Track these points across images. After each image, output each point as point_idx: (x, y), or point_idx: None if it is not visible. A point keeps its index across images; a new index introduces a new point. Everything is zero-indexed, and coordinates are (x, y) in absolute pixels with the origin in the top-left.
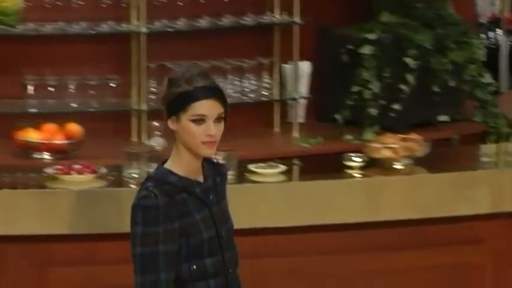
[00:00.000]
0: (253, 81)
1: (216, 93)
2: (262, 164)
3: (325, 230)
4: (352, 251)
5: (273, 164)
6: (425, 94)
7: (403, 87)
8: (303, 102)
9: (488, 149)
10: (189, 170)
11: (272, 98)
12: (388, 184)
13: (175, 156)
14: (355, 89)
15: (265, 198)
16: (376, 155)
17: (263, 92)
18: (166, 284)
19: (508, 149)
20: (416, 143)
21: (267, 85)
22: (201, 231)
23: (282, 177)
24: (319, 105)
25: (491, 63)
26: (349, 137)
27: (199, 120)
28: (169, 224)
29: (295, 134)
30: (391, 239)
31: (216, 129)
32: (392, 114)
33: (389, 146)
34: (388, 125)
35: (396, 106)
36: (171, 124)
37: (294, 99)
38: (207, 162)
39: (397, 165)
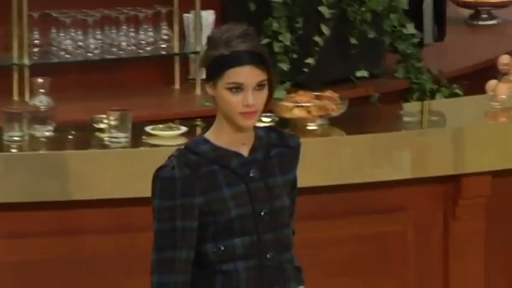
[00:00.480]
0: (150, 33)
1: (255, 59)
2: (160, 126)
3: None
4: None
5: (173, 125)
6: (342, 47)
7: (317, 39)
8: None
9: (411, 108)
10: (229, 140)
11: (171, 52)
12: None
13: (216, 124)
14: (264, 41)
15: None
16: (288, 115)
17: (161, 45)
18: (183, 263)
19: (432, 107)
20: (332, 102)
21: (166, 37)
22: (229, 209)
23: (182, 140)
24: None
25: (415, 12)
26: None
27: (236, 88)
28: (189, 198)
29: (198, 92)
30: (304, 207)
31: (255, 99)
32: (305, 70)
33: (301, 104)
34: (301, 82)
35: (309, 60)
36: (209, 90)
37: (196, 53)
38: (270, 131)
39: (311, 126)
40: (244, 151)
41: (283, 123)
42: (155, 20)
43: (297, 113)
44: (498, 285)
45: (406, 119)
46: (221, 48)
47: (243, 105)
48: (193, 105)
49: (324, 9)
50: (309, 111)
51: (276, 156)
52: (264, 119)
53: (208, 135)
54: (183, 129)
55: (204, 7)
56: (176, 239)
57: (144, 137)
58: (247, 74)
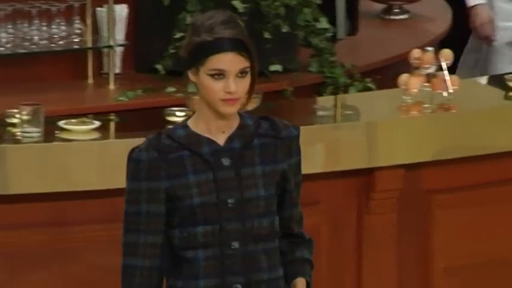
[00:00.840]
0: (63, 27)
1: (238, 46)
2: (73, 120)
3: None
4: None
5: (86, 119)
6: (256, 41)
7: None
8: (119, 50)
9: (324, 102)
10: (208, 127)
11: (85, 46)
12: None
13: (197, 110)
14: (178, 35)
15: (77, 157)
16: None
17: (74, 39)
18: (149, 248)
19: (346, 101)
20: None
21: (79, 31)
22: (192, 196)
23: (96, 135)
24: (139, 54)
25: (328, 6)
26: (171, 89)
27: (218, 75)
28: (155, 182)
29: (112, 86)
30: None
31: (237, 86)
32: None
33: None
34: None
35: None
36: (191, 76)
37: (110, 47)
38: (263, 120)
39: None
40: (222, 139)
41: None
42: (68, 14)
43: None
44: (410, 278)
45: (319, 113)
46: (204, 35)
47: (224, 91)
48: (107, 99)
49: (237, 3)
50: None
51: (259, 146)
52: (178, 113)
53: (190, 121)
54: (97, 123)
55: (117, 1)
56: (141, 222)
57: (57, 132)
58: (230, 61)
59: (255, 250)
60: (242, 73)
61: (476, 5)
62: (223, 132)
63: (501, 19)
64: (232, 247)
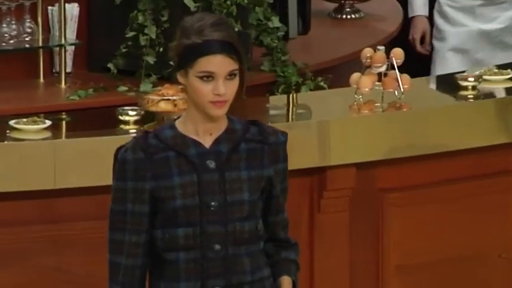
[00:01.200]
0: (13, 26)
1: (227, 48)
2: (24, 119)
3: (99, 193)
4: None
5: (37, 119)
6: None
7: None
8: (71, 49)
9: (277, 101)
10: (196, 128)
11: (36, 45)
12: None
13: (186, 112)
14: (130, 34)
15: (28, 157)
16: (154, 108)
17: (25, 38)
18: (133, 247)
19: (298, 100)
20: None
21: (30, 30)
22: (175, 197)
23: (47, 134)
24: (91, 53)
25: (280, 5)
26: (124, 88)
27: (207, 77)
28: (140, 182)
29: (63, 85)
30: None
31: (226, 88)
32: (171, 63)
33: (168, 98)
34: (167, 75)
35: None
36: (180, 78)
37: (61, 45)
38: (252, 125)
39: None
40: (208, 141)
41: (149, 116)
42: (19, 13)
43: (163, 106)
44: (362, 277)
45: (272, 112)
46: (193, 37)
47: (213, 94)
48: (59, 98)
49: (189, 2)
50: (175, 105)
51: (246, 151)
52: (130, 112)
53: (177, 122)
54: (48, 123)
55: (69, 0)
56: (125, 222)
57: (7, 131)
58: (219, 63)
59: (237, 253)
60: (231, 75)
61: (414, 16)
62: (211, 134)
63: (448, 24)
64: (214, 249)
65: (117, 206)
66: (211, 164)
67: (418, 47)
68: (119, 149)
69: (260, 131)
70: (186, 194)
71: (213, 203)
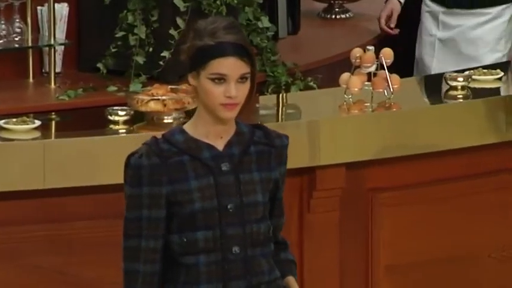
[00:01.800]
0: (2, 26)
1: (240, 51)
2: (13, 120)
3: (88, 193)
4: (118, 215)
5: (27, 119)
6: None
7: (172, 32)
8: (61, 49)
9: (267, 101)
10: (206, 131)
11: (25, 45)
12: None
13: (195, 115)
14: (119, 34)
15: (18, 157)
16: (144, 108)
17: (15, 38)
18: (150, 253)
19: (288, 100)
20: (188, 95)
21: (19, 30)
22: (194, 201)
23: (36, 134)
24: (80, 53)
25: (269, 5)
26: (113, 88)
27: (219, 79)
28: (156, 188)
29: (53, 85)
30: None
31: (237, 91)
32: (161, 63)
33: (157, 98)
34: (157, 75)
35: (165, 54)
36: (191, 80)
37: (51, 45)
38: (257, 129)
39: (167, 119)
40: (220, 144)
41: (138, 116)
42: (8, 13)
43: (153, 106)
44: (352, 277)
45: (262, 111)
46: (206, 39)
47: (225, 96)
48: (48, 98)
49: (178, 2)
50: (165, 105)
51: (255, 153)
52: (119, 112)
53: (186, 126)
54: (37, 123)
55: (58, 0)
56: (141, 228)
57: None
58: (231, 66)
59: (254, 254)
60: (242, 78)
61: None
62: (221, 137)
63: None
64: (234, 252)
65: (132, 212)
66: (226, 167)
67: (381, 24)
68: (130, 156)
69: (265, 134)
70: (205, 197)
71: (230, 205)
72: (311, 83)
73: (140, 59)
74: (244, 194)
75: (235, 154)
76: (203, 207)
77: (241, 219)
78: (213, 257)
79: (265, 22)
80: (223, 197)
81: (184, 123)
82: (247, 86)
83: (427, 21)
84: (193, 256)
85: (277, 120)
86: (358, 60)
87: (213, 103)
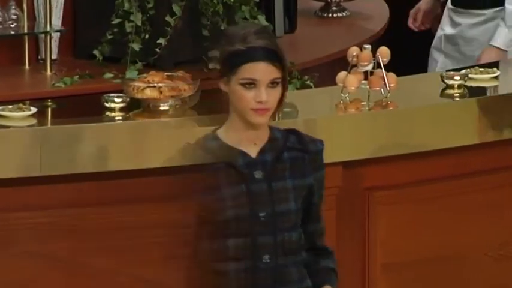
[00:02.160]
0: None
1: (271, 56)
2: (9, 107)
3: (85, 180)
4: (114, 202)
5: (23, 106)
6: (195, 27)
7: (168, 19)
8: (57, 36)
9: None
10: (239, 138)
11: (21, 32)
12: (154, 127)
13: (228, 121)
14: (116, 21)
15: (14, 144)
16: (140, 95)
17: (11, 25)
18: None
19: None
20: (184, 82)
21: (15, 17)
22: (227, 208)
23: (32, 121)
24: (76, 40)
25: (266, 4)
26: (109, 75)
27: (249, 84)
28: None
29: (49, 72)
30: (157, 189)
31: (268, 96)
32: (157, 50)
33: (154, 85)
34: (153, 62)
35: (161, 41)
36: (223, 85)
37: (47, 32)
38: (290, 134)
39: (163, 107)
40: (253, 151)
41: (135, 103)
42: (3, 0)
43: (149, 93)
44: (349, 275)
45: None
46: (237, 44)
47: (255, 101)
48: (44, 85)
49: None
50: (161, 92)
51: (289, 160)
52: (116, 99)
53: (219, 132)
54: (33, 110)
55: None
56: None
57: None
58: (262, 70)
59: (285, 263)
60: (273, 83)
61: None
62: (255, 144)
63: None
64: (264, 260)
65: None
66: (259, 174)
67: (409, 22)
68: None
69: (299, 140)
70: (238, 205)
71: (262, 214)
72: (308, 82)
73: (136, 46)
74: (277, 202)
75: (268, 161)
76: (236, 215)
77: (273, 227)
78: (243, 264)
79: (261, 20)
80: (256, 205)
81: (216, 129)
82: (278, 90)
83: (445, 17)
84: (224, 263)
85: (274, 119)
86: (354, 59)
87: (244, 108)
